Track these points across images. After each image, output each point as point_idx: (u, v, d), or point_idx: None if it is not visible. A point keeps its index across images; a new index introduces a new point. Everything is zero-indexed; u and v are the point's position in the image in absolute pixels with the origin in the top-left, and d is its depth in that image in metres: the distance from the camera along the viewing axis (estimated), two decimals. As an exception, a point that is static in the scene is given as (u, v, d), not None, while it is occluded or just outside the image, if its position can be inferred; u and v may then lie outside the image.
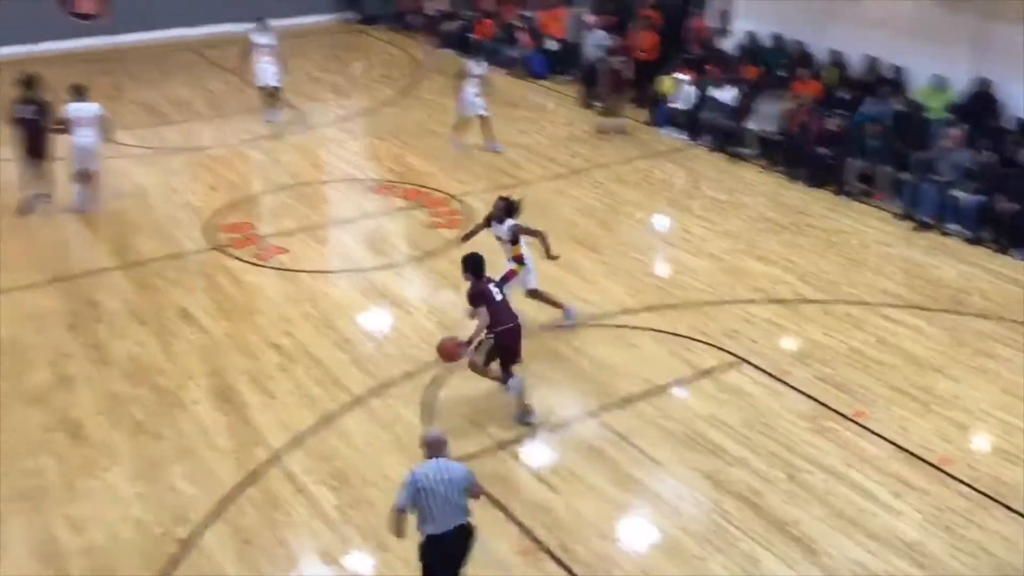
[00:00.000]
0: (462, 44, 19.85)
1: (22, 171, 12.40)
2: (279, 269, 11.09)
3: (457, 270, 10.87)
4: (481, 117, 14.71)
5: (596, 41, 17.07)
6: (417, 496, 5.72)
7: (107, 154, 12.90)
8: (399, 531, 5.82)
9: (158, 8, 19.96)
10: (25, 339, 9.57)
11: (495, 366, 8.37)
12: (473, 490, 5.96)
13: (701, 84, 15.57)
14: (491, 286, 8.37)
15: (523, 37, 18.69)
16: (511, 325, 8.28)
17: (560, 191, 13.51)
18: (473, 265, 8.34)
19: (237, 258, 11.33)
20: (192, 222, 12.27)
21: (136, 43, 19.54)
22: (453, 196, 13.19)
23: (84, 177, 12.33)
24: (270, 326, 9.85)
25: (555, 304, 9.90)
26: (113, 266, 11.09)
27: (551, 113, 16.98)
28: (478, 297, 8.21)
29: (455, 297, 10.45)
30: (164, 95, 17.26)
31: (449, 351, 8.11)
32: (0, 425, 8.20)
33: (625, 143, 15.35)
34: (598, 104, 16.32)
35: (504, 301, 8.39)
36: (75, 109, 12.12)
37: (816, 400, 8.77)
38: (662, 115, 15.89)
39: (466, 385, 8.78)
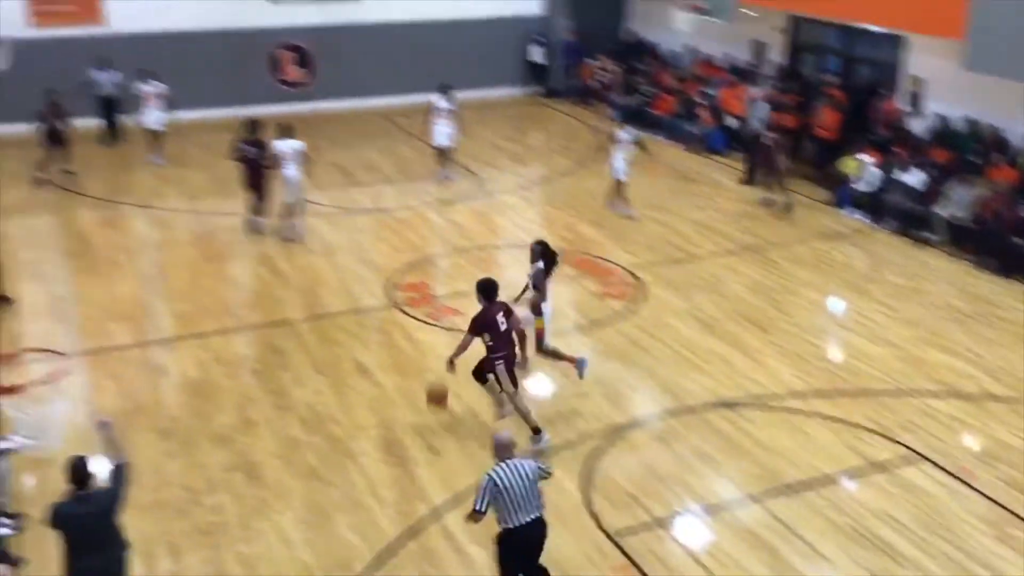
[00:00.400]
0: (640, 119, 20.07)
1: (247, 200, 14.28)
2: (451, 330, 11.44)
3: (626, 341, 10.93)
4: (619, 182, 15.07)
5: (758, 114, 17.03)
6: (497, 496, 6.34)
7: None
8: (477, 520, 6.47)
9: (355, 78, 21.28)
10: (216, 382, 10.25)
11: (508, 387, 8.86)
12: (543, 475, 6.62)
13: (886, 166, 15.11)
14: (499, 315, 8.80)
15: (703, 114, 18.75)
16: (506, 353, 8.83)
17: (731, 267, 13.36)
18: (486, 290, 8.86)
19: (412, 316, 11.78)
20: (374, 280, 12.88)
21: (335, 109, 20.85)
22: (623, 267, 13.28)
23: (290, 209, 13.94)
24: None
25: (568, 359, 9.79)
26: (300, 317, 11.76)
27: (727, 189, 16.87)
28: (483, 326, 8.77)
29: (622, 369, 10.51)
30: (357, 158, 18.30)
31: (439, 396, 9.01)
32: (188, 461, 8.81)
33: (803, 223, 15.04)
34: (760, 178, 16.18)
35: (508, 331, 8.85)
36: (281, 145, 13.70)
37: (1001, 505, 8.21)
38: (844, 196, 15.50)
39: (625, 458, 8.75)
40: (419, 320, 11.69)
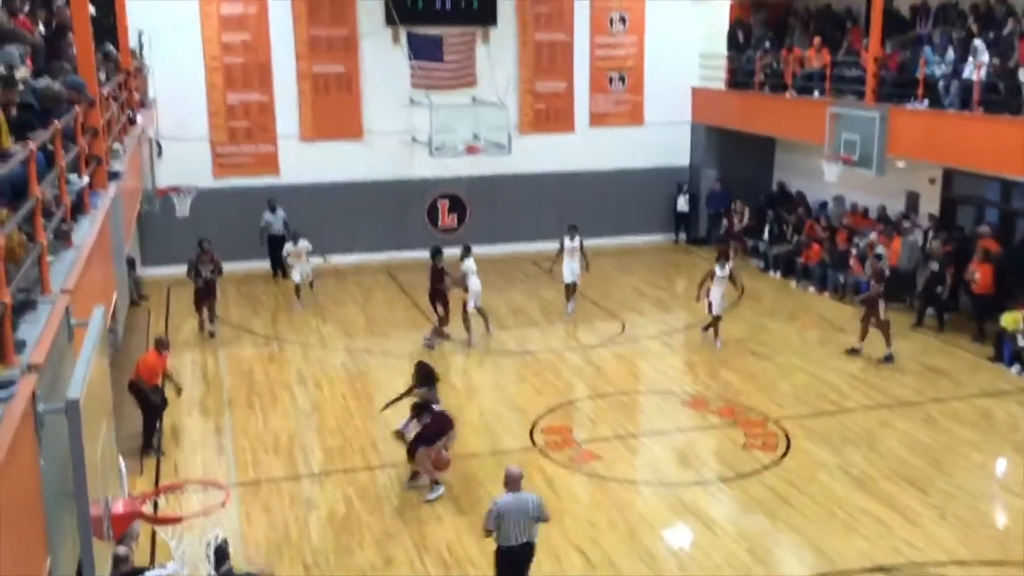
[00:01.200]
0: (788, 267, 19.96)
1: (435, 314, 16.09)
2: (590, 475, 11.38)
3: (772, 495, 10.61)
4: (716, 316, 15.70)
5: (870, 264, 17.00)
6: (499, 519, 7.94)
7: (446, 351, 14.21)
8: (488, 536, 8.16)
9: (505, 224, 22.13)
10: (360, 517, 10.48)
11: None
12: (542, 517, 8.13)
13: (1053, 321, 14.38)
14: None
15: (854, 263, 18.44)
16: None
17: (885, 422, 12.83)
18: (427, 377, 10.62)
19: (553, 460, 11.80)
20: (516, 421, 13.03)
21: (485, 254, 21.58)
22: (770, 418, 12.97)
23: (481, 312, 16.23)
24: (577, 530, 10.06)
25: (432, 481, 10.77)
26: (442, 456, 11.96)
27: (879, 340, 16.34)
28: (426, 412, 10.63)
29: (767, 523, 10.15)
30: (504, 301, 18.82)
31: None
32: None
33: (963, 379, 14.38)
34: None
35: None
36: (466, 266, 15.96)
37: None
38: (1007, 352, 14.77)
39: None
40: (560, 464, 11.68)
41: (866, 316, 15.31)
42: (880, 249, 17.23)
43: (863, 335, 15.35)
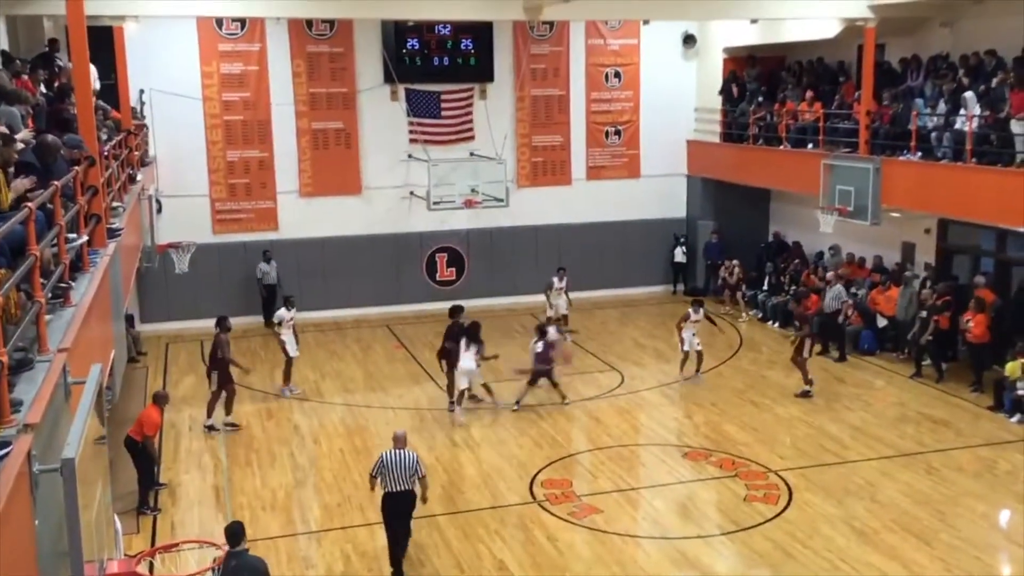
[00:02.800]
0: (787, 317, 19.94)
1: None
2: (592, 529, 11.27)
3: (775, 549, 10.51)
4: (696, 352, 16.74)
5: (834, 294, 18.25)
6: (383, 469, 10.01)
7: (445, 405, 14.14)
8: (371, 487, 10.36)
9: (504, 277, 22.17)
10: (356, 575, 10.36)
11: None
12: (419, 472, 10.11)
13: (1051, 370, 14.36)
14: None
15: (851, 314, 18.46)
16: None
17: (887, 473, 12.75)
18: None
19: (553, 514, 11.70)
20: (516, 475, 12.94)
21: (483, 306, 21.61)
22: (771, 469, 12.89)
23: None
24: (579, 587, 9.94)
25: None
26: (441, 511, 11.86)
27: (879, 391, 16.35)
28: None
29: (769, 578, 10.04)
30: (503, 353, 18.70)
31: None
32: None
33: (965, 429, 14.32)
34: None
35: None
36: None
37: None
38: (1008, 401, 14.73)
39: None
40: (560, 518, 11.58)
41: (794, 355, 16.06)
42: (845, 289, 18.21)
43: (805, 374, 15.95)
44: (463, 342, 15.10)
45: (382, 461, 10.09)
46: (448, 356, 15.38)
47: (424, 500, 10.36)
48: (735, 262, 21.71)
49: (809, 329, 16.15)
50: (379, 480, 10.09)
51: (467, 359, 15.03)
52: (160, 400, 12.37)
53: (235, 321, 20.07)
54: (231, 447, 14.21)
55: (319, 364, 18.23)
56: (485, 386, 15.54)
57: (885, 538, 10.90)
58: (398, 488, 10.03)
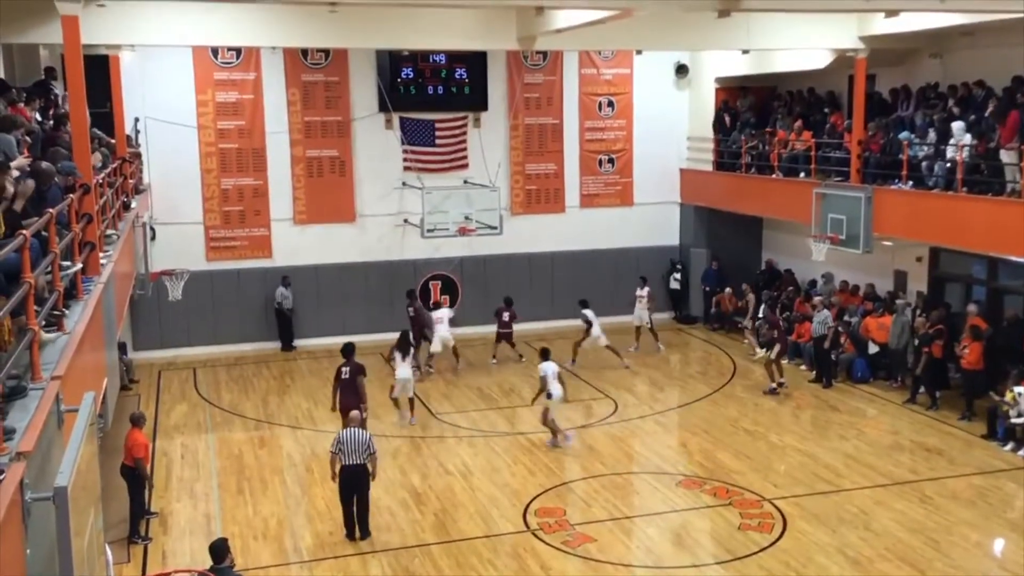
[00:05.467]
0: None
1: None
2: (585, 558, 11.22)
3: (766, 578, 10.41)
4: (638, 328, 19.99)
5: (820, 320, 18.35)
6: (340, 445, 11.48)
7: (439, 433, 14.11)
8: (332, 469, 11.74)
9: (496, 306, 22.04)
10: (350, 603, 10.30)
11: None
12: (370, 448, 11.57)
13: (1044, 398, 14.38)
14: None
15: (845, 342, 18.51)
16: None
17: (881, 501, 12.73)
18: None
19: (547, 543, 11.64)
20: (509, 504, 12.88)
21: (477, 334, 21.59)
22: (765, 498, 12.86)
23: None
24: (572, 617, 9.87)
25: None
26: (433, 540, 11.80)
27: (872, 419, 16.36)
28: None
29: (763, 608, 9.98)
30: (496, 381, 18.78)
31: None
32: None
33: (959, 457, 14.32)
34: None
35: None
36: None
37: None
38: (1001, 429, 14.75)
39: None
40: (554, 547, 11.52)
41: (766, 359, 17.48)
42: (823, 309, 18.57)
43: (771, 375, 17.47)
44: (397, 355, 15.89)
45: (340, 438, 11.58)
46: (345, 407, 13.78)
47: (373, 476, 11.74)
48: (733, 295, 21.88)
49: (780, 333, 17.55)
50: (339, 456, 11.51)
51: (403, 369, 15.87)
52: (137, 421, 12.19)
53: (230, 349, 20.34)
54: (223, 476, 14.13)
55: (312, 392, 18.19)
56: (412, 401, 16.18)
57: (879, 567, 10.87)
58: (352, 462, 11.50)
